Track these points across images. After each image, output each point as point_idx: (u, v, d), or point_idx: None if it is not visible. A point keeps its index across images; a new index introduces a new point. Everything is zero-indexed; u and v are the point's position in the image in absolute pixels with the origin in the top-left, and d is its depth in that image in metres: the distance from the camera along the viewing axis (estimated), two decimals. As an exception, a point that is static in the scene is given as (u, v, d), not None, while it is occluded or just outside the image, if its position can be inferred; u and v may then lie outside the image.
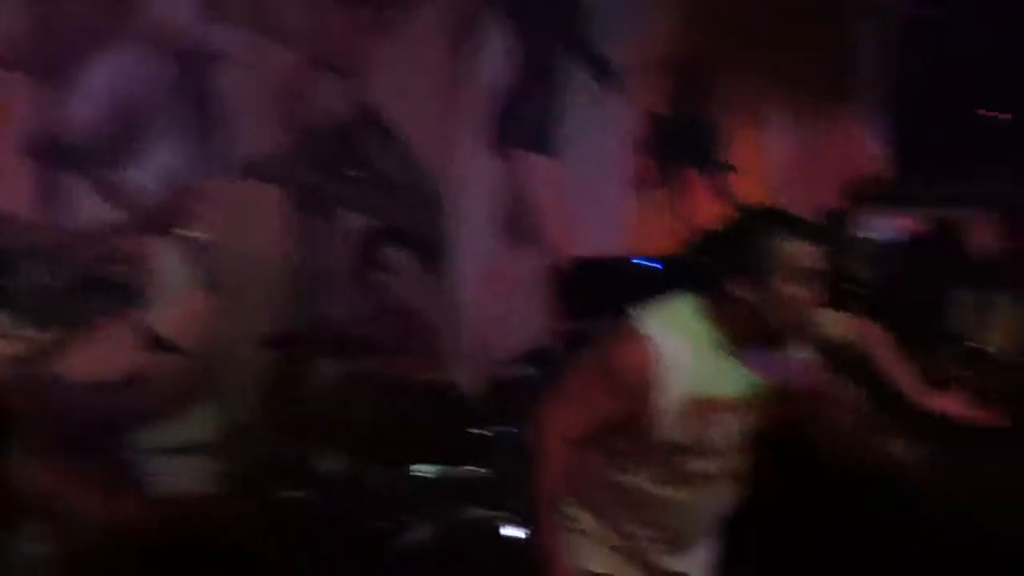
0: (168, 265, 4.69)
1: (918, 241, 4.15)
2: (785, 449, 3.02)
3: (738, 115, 6.75)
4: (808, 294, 2.77)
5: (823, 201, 6.97)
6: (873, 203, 6.46)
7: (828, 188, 7.08)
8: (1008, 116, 6.55)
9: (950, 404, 3.88)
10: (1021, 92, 6.38)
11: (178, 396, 4.72)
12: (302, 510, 4.10)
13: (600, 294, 5.25)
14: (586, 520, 2.92)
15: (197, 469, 4.44)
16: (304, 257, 5.21)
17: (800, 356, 2.91)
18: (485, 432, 4.17)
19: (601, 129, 6.17)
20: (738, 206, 6.44)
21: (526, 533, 3.21)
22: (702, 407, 2.81)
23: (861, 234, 6.26)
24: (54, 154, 4.63)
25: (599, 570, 2.90)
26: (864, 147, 7.32)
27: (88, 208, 4.50)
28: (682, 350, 2.79)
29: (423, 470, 4.14)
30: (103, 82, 4.64)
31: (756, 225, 2.88)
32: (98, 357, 4.42)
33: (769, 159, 6.94)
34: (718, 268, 2.82)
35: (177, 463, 4.48)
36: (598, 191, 6.16)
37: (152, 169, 4.73)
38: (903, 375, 3.84)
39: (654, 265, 5.71)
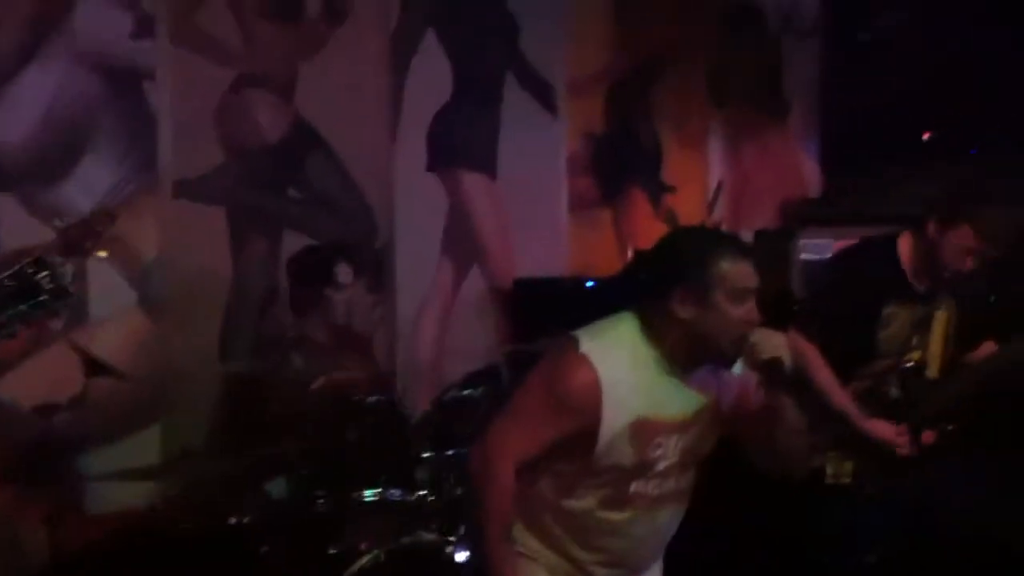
0: (102, 285, 4.63)
1: (853, 259, 4.19)
2: (727, 468, 3.03)
3: (677, 134, 6.81)
4: (745, 313, 2.80)
5: (760, 220, 7.06)
6: (809, 222, 6.55)
7: (765, 207, 7.17)
8: (934, 133, 6.69)
9: (883, 429, 3.93)
10: (950, 109, 6.50)
11: (121, 419, 4.66)
12: (250, 535, 4.05)
13: (542, 315, 5.25)
14: (532, 544, 2.91)
15: (143, 493, 4.38)
16: (246, 276, 5.16)
17: (739, 375, 2.94)
18: (431, 455, 4.15)
19: (540, 148, 6.19)
20: (675, 226, 6.50)
21: (475, 558, 3.20)
22: (645, 428, 2.82)
23: (797, 253, 6.34)
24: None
25: (547, 594, 2.90)
26: (800, 167, 7.43)
27: (16, 227, 4.43)
28: (624, 372, 2.80)
29: (371, 494, 4.11)
30: (32, 100, 4.58)
31: (693, 245, 2.90)
32: (39, 380, 4.36)
33: (708, 179, 7.01)
34: (657, 288, 2.83)
35: (122, 487, 4.42)
36: (538, 210, 6.17)
37: (83, 188, 4.67)
38: (837, 394, 3.90)
39: (596, 285, 5.73)
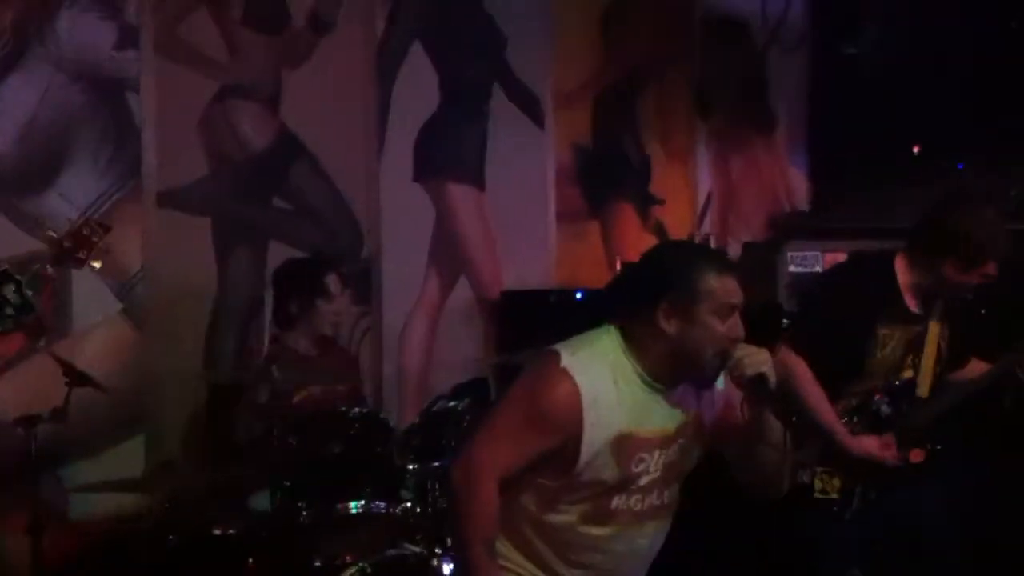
0: (86, 295, 4.61)
1: (847, 275, 4.18)
2: (710, 483, 3.02)
3: (664, 147, 6.82)
4: (729, 329, 2.79)
5: (748, 232, 7.06)
6: (797, 234, 6.55)
7: (753, 219, 7.18)
8: (920, 147, 6.71)
9: (869, 444, 3.93)
10: (935, 124, 6.52)
11: (104, 430, 4.63)
12: (234, 547, 4.02)
13: (530, 326, 5.24)
14: (515, 558, 2.89)
15: (126, 504, 4.36)
16: (231, 287, 5.14)
17: (723, 389, 2.92)
18: (416, 467, 4.13)
19: (527, 159, 6.18)
20: (663, 238, 6.50)
21: (458, 571, 3.17)
22: (628, 443, 2.80)
23: (785, 265, 6.34)
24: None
25: (528, 608, 2.88)
26: (787, 179, 7.44)
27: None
28: (606, 386, 2.78)
29: (356, 506, 4.09)
30: (16, 109, 4.56)
31: (678, 259, 2.89)
32: (21, 391, 4.33)
33: (696, 191, 7.02)
34: (641, 301, 2.82)
35: (106, 498, 4.39)
36: (525, 222, 6.17)
37: (67, 197, 4.65)
38: (824, 411, 3.89)
39: (583, 297, 5.72)
